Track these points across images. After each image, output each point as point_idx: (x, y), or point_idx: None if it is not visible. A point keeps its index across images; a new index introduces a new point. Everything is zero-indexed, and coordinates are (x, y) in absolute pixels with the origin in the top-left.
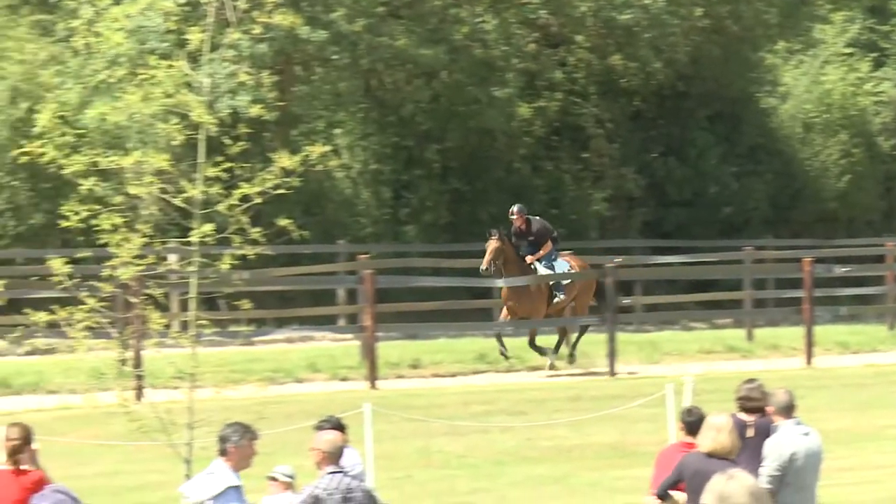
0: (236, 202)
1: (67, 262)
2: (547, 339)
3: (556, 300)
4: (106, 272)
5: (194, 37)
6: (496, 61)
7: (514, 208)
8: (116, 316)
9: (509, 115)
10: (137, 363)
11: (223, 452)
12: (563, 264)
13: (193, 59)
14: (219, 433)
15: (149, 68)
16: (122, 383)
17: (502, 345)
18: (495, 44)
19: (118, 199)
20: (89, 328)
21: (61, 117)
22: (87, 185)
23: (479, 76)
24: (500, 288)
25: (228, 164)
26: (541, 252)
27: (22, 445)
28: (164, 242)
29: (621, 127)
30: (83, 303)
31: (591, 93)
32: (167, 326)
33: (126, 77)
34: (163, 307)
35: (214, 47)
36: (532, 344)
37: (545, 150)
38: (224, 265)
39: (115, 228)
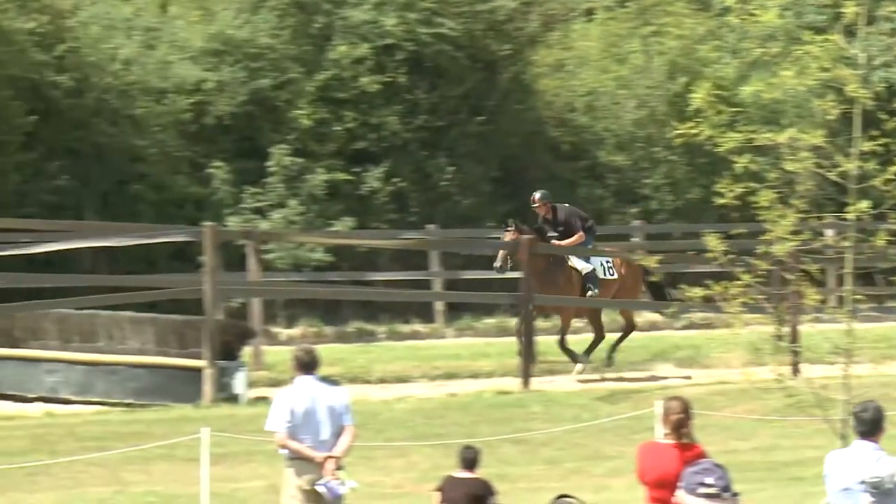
0: (892, 177)
1: (723, 238)
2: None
3: (589, 294)
4: (761, 248)
5: (850, 10)
6: None
7: (536, 195)
8: (772, 291)
9: None
10: (794, 338)
11: (870, 434)
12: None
13: (849, 32)
14: (868, 415)
15: (802, 43)
16: (779, 358)
17: (568, 350)
18: None
19: (773, 174)
20: (745, 303)
21: (717, 94)
22: (742, 161)
23: None
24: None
25: (884, 140)
26: (570, 240)
27: (685, 419)
28: (820, 218)
29: None
30: (738, 278)
31: None
32: (823, 302)
33: (781, 52)
34: (819, 283)
35: (871, 20)
36: (562, 345)
37: None
38: (879, 240)
39: (771, 205)
